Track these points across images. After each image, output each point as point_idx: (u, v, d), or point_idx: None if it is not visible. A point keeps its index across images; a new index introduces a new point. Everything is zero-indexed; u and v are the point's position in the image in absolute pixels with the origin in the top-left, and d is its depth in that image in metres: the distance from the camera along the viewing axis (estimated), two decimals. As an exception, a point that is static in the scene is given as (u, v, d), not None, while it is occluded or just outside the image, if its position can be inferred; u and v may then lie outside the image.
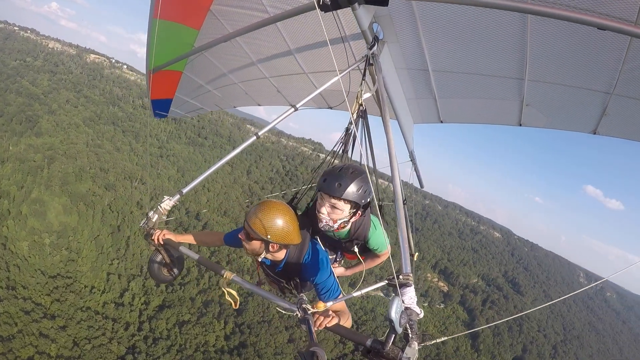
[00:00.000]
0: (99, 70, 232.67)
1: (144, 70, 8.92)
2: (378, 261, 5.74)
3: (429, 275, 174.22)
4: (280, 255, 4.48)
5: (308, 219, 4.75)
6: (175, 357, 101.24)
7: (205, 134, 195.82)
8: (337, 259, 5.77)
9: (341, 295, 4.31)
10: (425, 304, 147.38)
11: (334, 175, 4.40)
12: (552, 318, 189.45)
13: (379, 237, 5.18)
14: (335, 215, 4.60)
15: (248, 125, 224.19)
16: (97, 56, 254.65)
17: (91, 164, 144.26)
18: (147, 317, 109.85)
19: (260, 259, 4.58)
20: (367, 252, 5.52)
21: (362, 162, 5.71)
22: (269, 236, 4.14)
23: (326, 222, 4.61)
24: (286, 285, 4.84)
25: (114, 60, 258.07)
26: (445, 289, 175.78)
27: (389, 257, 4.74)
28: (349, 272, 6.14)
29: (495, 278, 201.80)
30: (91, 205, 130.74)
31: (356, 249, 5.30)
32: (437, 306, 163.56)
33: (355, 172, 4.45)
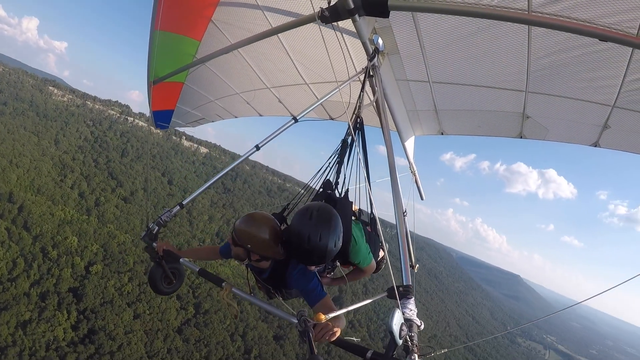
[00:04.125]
0: None
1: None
2: (362, 275, 5.65)
3: None
4: (264, 265, 4.57)
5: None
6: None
7: (3, 98, 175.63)
8: (327, 268, 5.71)
9: (329, 298, 4.31)
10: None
11: (305, 250, 4.13)
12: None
13: (359, 251, 5.09)
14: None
15: (50, 87, 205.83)
16: None
17: None
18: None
19: (243, 265, 4.74)
20: (353, 265, 5.45)
21: (359, 174, 5.72)
22: (249, 246, 4.29)
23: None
24: (273, 292, 4.90)
25: None
26: None
27: (388, 266, 4.71)
28: (332, 284, 6.07)
29: None
30: None
31: (338, 264, 5.31)
32: None
33: (322, 230, 4.12)
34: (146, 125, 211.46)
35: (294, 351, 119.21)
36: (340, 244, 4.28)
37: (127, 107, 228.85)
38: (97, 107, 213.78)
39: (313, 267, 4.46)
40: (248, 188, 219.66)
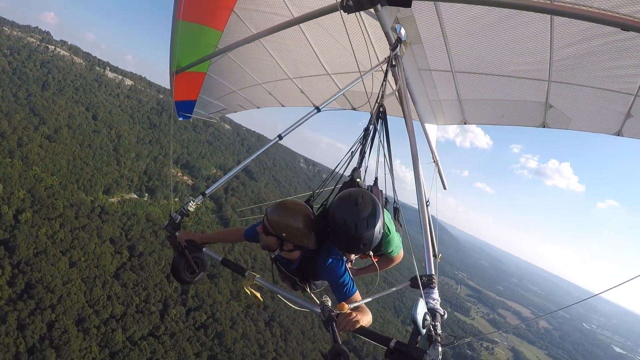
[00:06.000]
0: None
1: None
2: (391, 264, 5.67)
3: (173, 170, 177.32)
4: (295, 255, 4.50)
5: (324, 220, 4.65)
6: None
7: None
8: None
9: (358, 293, 4.28)
10: (177, 199, 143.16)
11: (352, 238, 4.09)
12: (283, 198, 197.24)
13: (392, 240, 5.15)
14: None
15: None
16: None
17: None
18: None
19: (273, 256, 4.64)
20: (381, 254, 5.49)
21: (381, 163, 5.71)
22: (284, 234, 4.21)
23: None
24: (299, 283, 4.83)
25: None
26: (190, 182, 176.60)
27: (410, 257, 4.72)
28: (360, 274, 6.06)
29: (231, 167, 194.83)
30: None
31: (371, 254, 5.28)
32: (187, 199, 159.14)
33: (369, 218, 4.09)
34: (68, 54, 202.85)
35: (228, 288, 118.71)
36: (382, 231, 4.28)
37: (48, 33, 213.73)
38: (14, 33, 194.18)
39: (353, 256, 4.49)
40: (174, 123, 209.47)
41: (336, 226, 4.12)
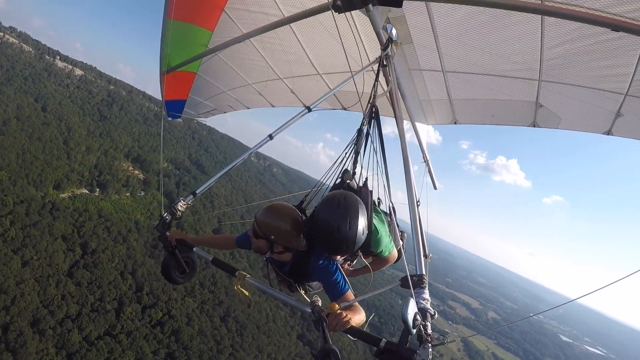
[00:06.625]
0: None
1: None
2: (385, 264, 5.65)
3: (123, 164, 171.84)
4: (286, 257, 4.54)
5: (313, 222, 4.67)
6: None
7: None
8: (348, 259, 5.71)
9: (351, 292, 4.28)
10: (128, 194, 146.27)
11: (335, 239, 4.12)
12: (234, 193, 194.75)
13: (381, 240, 5.11)
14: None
15: None
16: None
17: None
18: None
19: (265, 258, 4.70)
20: (374, 255, 5.47)
21: (374, 164, 5.69)
22: (272, 237, 4.29)
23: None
24: (294, 285, 4.86)
25: None
26: (142, 176, 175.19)
27: (402, 257, 4.72)
28: (355, 275, 6.05)
29: (182, 161, 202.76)
30: None
31: (360, 254, 5.27)
32: (139, 194, 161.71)
33: (351, 219, 4.11)
34: (17, 42, 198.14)
35: (183, 285, 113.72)
36: (367, 232, 4.29)
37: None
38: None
39: (339, 257, 4.49)
40: (125, 115, 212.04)
41: (319, 228, 4.16)
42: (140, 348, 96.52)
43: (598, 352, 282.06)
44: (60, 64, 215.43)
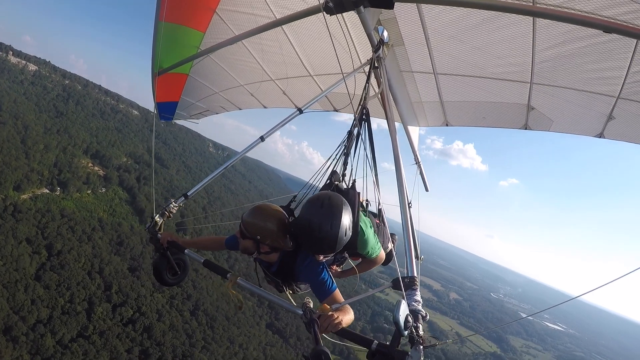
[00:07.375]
0: None
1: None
2: (373, 265, 5.62)
3: (83, 161, 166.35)
4: (273, 257, 4.54)
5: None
6: None
7: None
8: (337, 260, 5.70)
9: (338, 292, 4.27)
10: (89, 191, 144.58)
11: (316, 239, 4.11)
12: (195, 184, 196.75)
13: (367, 241, 5.08)
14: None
15: None
16: None
17: None
18: None
19: (252, 258, 4.69)
20: (360, 256, 5.44)
21: (365, 166, 5.69)
22: (258, 237, 4.27)
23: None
24: (282, 285, 4.88)
25: None
26: (102, 172, 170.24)
27: (394, 259, 4.71)
28: (342, 276, 6.04)
29: (141, 155, 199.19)
30: None
31: (347, 256, 5.28)
32: (100, 191, 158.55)
33: (333, 219, 4.10)
34: None
35: (150, 281, 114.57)
36: (350, 232, 4.26)
37: None
38: None
39: (322, 257, 4.47)
40: (81, 110, 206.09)
41: (303, 226, 4.15)
42: (114, 347, 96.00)
43: (558, 327, 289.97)
44: (13, 59, 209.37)
